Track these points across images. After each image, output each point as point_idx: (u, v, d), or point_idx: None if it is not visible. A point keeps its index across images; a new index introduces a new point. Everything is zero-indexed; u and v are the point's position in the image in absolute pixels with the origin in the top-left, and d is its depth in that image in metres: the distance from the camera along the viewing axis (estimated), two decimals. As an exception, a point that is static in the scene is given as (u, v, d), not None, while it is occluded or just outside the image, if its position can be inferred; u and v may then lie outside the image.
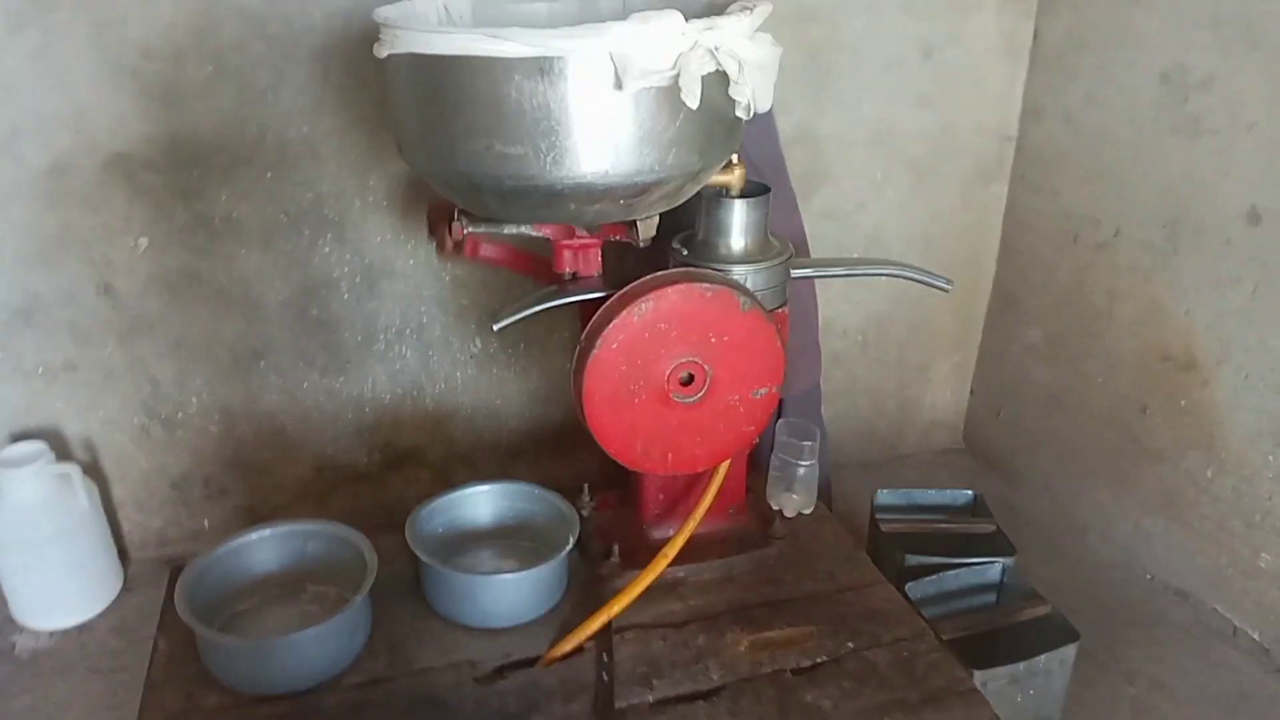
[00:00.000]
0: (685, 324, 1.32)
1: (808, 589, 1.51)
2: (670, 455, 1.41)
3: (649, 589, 1.39)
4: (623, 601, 1.38)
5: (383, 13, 1.20)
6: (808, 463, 1.56)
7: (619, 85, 1.10)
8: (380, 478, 2.30)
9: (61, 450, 2.04)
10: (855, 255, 2.31)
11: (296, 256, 2.05)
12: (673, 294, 1.30)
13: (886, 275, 1.51)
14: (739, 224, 1.41)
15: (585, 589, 1.49)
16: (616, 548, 1.48)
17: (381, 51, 1.20)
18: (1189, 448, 2.07)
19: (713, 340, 1.34)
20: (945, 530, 1.90)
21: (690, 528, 1.43)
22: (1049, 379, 2.40)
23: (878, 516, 1.91)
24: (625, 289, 1.31)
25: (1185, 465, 2.08)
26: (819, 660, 1.37)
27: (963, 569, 1.72)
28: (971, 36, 2.29)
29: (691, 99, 1.10)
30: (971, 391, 2.68)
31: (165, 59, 1.84)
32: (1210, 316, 1.97)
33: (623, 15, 1.46)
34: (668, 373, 1.34)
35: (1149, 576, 2.19)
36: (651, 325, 1.30)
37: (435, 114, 1.16)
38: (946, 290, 1.51)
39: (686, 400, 1.37)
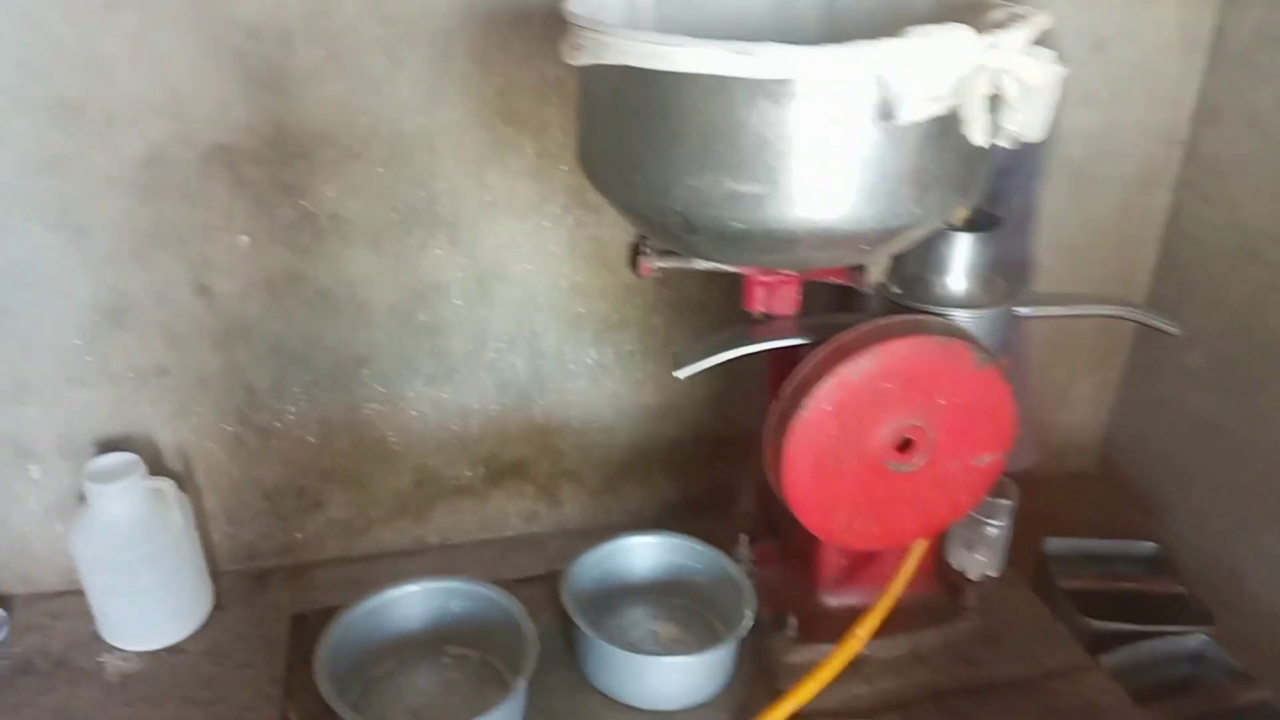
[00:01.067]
0: (910, 382, 1.12)
1: (1009, 673, 1.32)
2: (877, 529, 1.22)
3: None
4: (811, 689, 1.20)
5: (577, 9, 0.99)
6: (1001, 524, 1.37)
7: (887, 115, 0.89)
8: (483, 492, 2.13)
9: (151, 458, 1.88)
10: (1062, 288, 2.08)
11: (406, 258, 1.86)
12: (900, 348, 1.10)
13: (1111, 316, 1.30)
14: (964, 261, 1.21)
15: (756, 663, 1.31)
16: (793, 619, 1.29)
17: (578, 58, 0.99)
18: None
19: (940, 402, 1.14)
20: (1130, 590, 1.70)
21: (887, 604, 1.25)
22: (1210, 408, 2.18)
23: (1049, 569, 1.71)
24: (841, 339, 1.11)
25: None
26: (1037, 770, 1.18)
27: (1158, 639, 1.52)
28: (1146, 29, 2.05)
29: (978, 132, 0.89)
30: (1111, 414, 2.46)
31: (273, 41, 1.65)
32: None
33: (829, 14, 1.27)
34: (885, 438, 1.14)
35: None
36: (872, 384, 1.11)
37: (649, 140, 0.95)
38: (1176, 335, 1.30)
39: (902, 469, 1.17)
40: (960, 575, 1.40)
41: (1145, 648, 1.53)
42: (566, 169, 1.85)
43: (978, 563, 1.38)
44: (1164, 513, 2.32)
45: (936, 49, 0.87)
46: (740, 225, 0.95)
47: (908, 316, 1.14)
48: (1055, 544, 1.80)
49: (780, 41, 1.14)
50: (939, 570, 1.38)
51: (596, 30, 0.95)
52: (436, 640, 1.30)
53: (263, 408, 1.92)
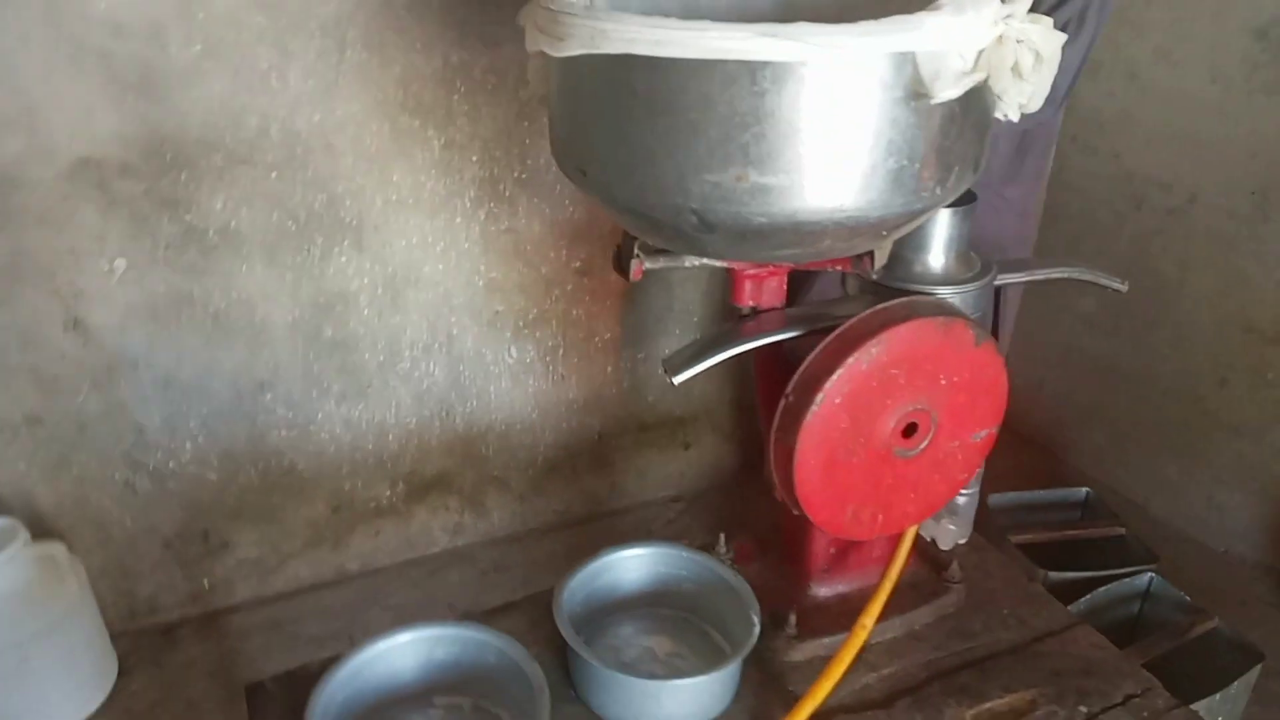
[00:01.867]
0: (916, 366, 1.09)
1: (1003, 640, 1.33)
2: (881, 517, 1.19)
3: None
4: (827, 686, 1.17)
5: (554, -3, 0.90)
6: (971, 491, 1.37)
7: (922, 94, 0.84)
8: (404, 511, 2.00)
9: (32, 520, 1.67)
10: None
11: (308, 269, 1.71)
12: (905, 332, 1.07)
13: (1067, 278, 1.32)
14: (943, 238, 1.19)
15: (758, 665, 1.26)
16: (793, 616, 1.26)
17: (561, 48, 0.90)
18: (1277, 421, 1.98)
19: (942, 382, 1.12)
20: (1075, 537, 1.75)
21: (887, 589, 1.23)
22: (1104, 351, 2.28)
23: (998, 526, 1.75)
24: (846, 328, 1.07)
25: (1271, 439, 2.00)
26: (1056, 735, 1.19)
27: (1112, 583, 1.57)
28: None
29: (1011, 106, 0.86)
30: (1009, 361, 2.54)
31: (141, 37, 1.46)
32: (1307, 287, 1.87)
33: None
34: (892, 425, 1.11)
35: (1223, 550, 2.12)
36: (881, 371, 1.07)
37: (660, 135, 0.88)
38: (1122, 291, 1.33)
39: (907, 455, 1.14)
40: (933, 546, 1.39)
41: (1101, 593, 1.58)
42: (476, 160, 1.74)
43: (949, 532, 1.38)
44: (1065, 452, 2.42)
45: (969, 23, 0.82)
46: (763, 220, 0.89)
47: (907, 299, 1.11)
48: (996, 499, 1.84)
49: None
50: (916, 545, 1.37)
51: (590, 18, 0.86)
52: (423, 691, 1.19)
53: (155, 448, 1.74)
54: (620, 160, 0.92)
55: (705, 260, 1.12)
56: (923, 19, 0.81)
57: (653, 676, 1.21)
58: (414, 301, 1.81)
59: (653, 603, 1.35)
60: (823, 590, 1.34)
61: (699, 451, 2.24)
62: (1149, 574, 1.62)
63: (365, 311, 1.78)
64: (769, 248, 0.97)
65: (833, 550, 1.32)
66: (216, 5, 1.48)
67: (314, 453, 1.86)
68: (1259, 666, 1.45)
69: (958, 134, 0.91)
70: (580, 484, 2.14)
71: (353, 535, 1.97)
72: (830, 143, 0.86)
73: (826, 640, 1.29)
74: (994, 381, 1.16)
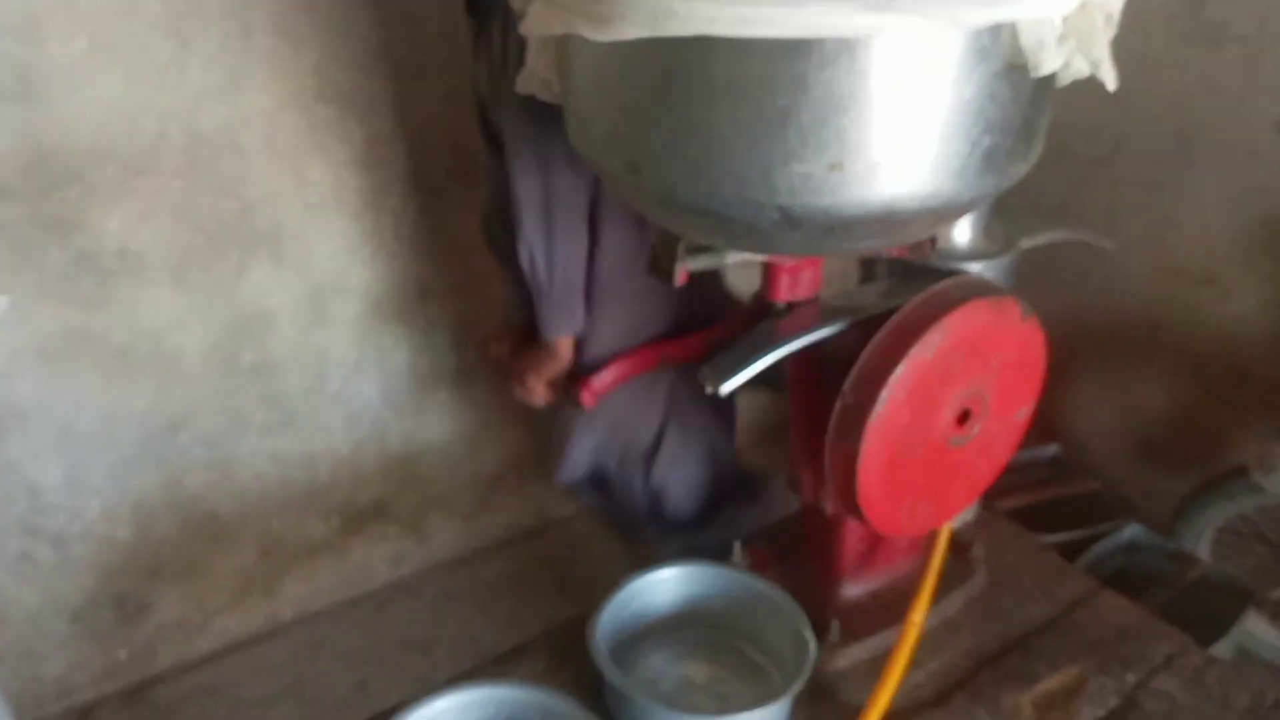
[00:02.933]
0: (973, 350, 1.07)
1: (1035, 616, 1.34)
2: (934, 509, 1.17)
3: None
4: (886, 695, 1.14)
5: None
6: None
7: (1020, 65, 0.81)
8: (340, 545, 1.87)
9: (-88, 612, 1.46)
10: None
11: (221, 288, 1.55)
12: (964, 315, 1.04)
13: (1064, 240, 1.33)
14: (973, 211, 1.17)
15: (806, 680, 1.23)
16: (836, 622, 1.23)
17: (607, 32, 0.82)
18: (1206, 361, 2.09)
19: (993, 363, 1.10)
20: (1055, 496, 1.80)
21: (932, 581, 1.21)
22: (1033, 300, 2.34)
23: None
24: (903, 318, 1.03)
25: (1205, 378, 2.11)
26: (1113, 706, 1.21)
27: (1101, 540, 1.62)
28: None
29: (1109, 75, 0.83)
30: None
31: (13, 33, 1.28)
32: (1235, 229, 1.97)
33: None
34: (949, 414, 1.09)
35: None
36: (942, 360, 1.04)
37: (741, 126, 0.81)
38: (1110, 250, 1.36)
39: (961, 442, 1.12)
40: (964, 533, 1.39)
41: (1094, 551, 1.63)
42: (404, 150, 1.62)
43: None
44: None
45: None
46: (856, 211, 0.83)
47: (956, 280, 1.08)
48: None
49: None
50: (934, 528, 1.37)
51: (650, -8, 0.78)
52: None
53: (55, 510, 1.55)
54: (689, 155, 0.84)
55: (750, 256, 1.06)
56: (1025, -15, 0.77)
57: (703, 710, 1.15)
58: (341, 314, 1.68)
59: (679, 626, 1.29)
60: (854, 590, 1.31)
61: (646, 445, 2.18)
62: (1133, 526, 1.68)
63: (288, 330, 1.64)
64: (851, 239, 0.92)
65: (863, 548, 1.29)
66: (100, -10, 1.30)
67: (237, 493, 1.70)
68: (1250, 608, 1.53)
69: (1042, 104, 0.88)
70: (527, 493, 2.05)
71: (285, 579, 1.83)
72: (931, 123, 0.81)
73: (869, 642, 1.26)
74: (1037, 356, 1.16)
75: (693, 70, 0.82)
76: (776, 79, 0.79)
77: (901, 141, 0.81)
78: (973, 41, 0.79)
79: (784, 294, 1.10)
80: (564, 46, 0.97)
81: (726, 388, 1.04)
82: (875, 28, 0.75)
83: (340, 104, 1.53)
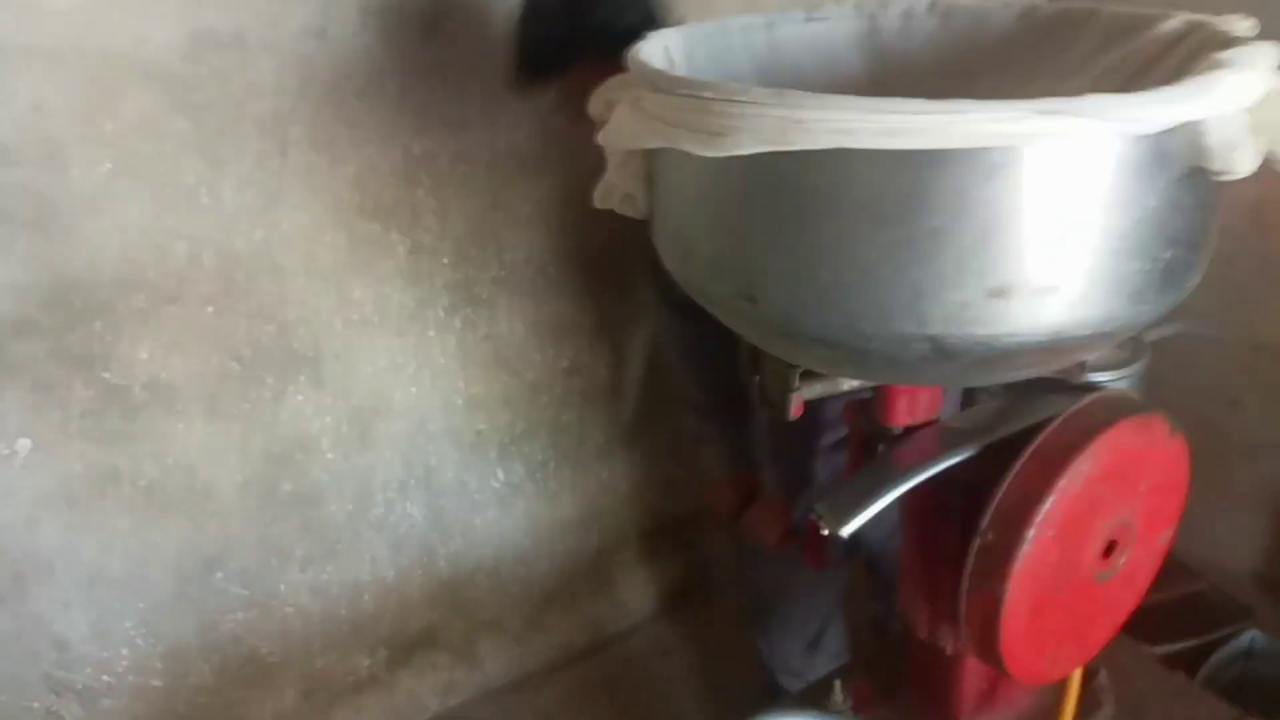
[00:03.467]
0: (1122, 475, 0.94)
1: (1177, 755, 1.19)
2: (1076, 651, 1.03)
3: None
4: None
5: (716, 86, 0.70)
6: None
7: (1204, 168, 0.69)
8: (387, 679, 1.72)
9: (-73, 789, 1.31)
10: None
11: (258, 416, 1.43)
12: (1112, 439, 0.91)
13: (1176, 335, 1.20)
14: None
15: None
16: (960, 777, 1.07)
17: (718, 147, 0.71)
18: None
19: (1141, 488, 0.97)
20: (1161, 600, 1.64)
21: (1070, 726, 1.06)
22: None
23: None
24: (1041, 444, 0.90)
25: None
26: None
27: (1220, 649, 1.47)
28: None
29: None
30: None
31: (34, 160, 1.18)
32: (1313, 294, 1.85)
33: (907, 28, 1.05)
34: (1096, 547, 0.95)
35: (1251, 571, 2.08)
36: (1091, 489, 0.91)
37: (885, 250, 0.69)
38: (1223, 339, 1.23)
39: (1106, 576, 0.98)
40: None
41: (1213, 661, 1.48)
42: (448, 262, 1.50)
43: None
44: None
45: (1256, 78, 0.68)
46: (1021, 341, 0.71)
47: (1098, 397, 0.95)
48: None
49: (835, 90, 0.91)
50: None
51: (770, 104, 0.67)
52: None
53: (83, 663, 1.41)
54: (819, 283, 0.72)
55: (862, 382, 0.93)
56: (1217, 79, 0.65)
57: None
58: (384, 435, 1.55)
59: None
60: (971, 731, 1.16)
61: (701, 550, 2.04)
62: (1251, 631, 1.53)
63: (329, 456, 1.51)
64: (1009, 370, 0.80)
65: (984, 686, 1.14)
66: (127, 112, 1.21)
67: (277, 632, 1.56)
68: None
69: (1218, 206, 0.76)
70: (580, 611, 1.90)
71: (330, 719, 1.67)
72: (1109, 240, 0.69)
73: (996, 793, 1.11)
74: (1181, 474, 1.02)
75: (825, 188, 0.70)
76: (929, 196, 0.67)
77: (1076, 262, 0.69)
78: (1155, 145, 0.67)
79: (903, 418, 0.97)
80: (655, 157, 0.86)
81: (848, 529, 0.91)
82: (1047, 135, 0.64)
83: (382, 218, 1.42)
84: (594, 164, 1.61)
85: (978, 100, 0.63)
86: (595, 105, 0.93)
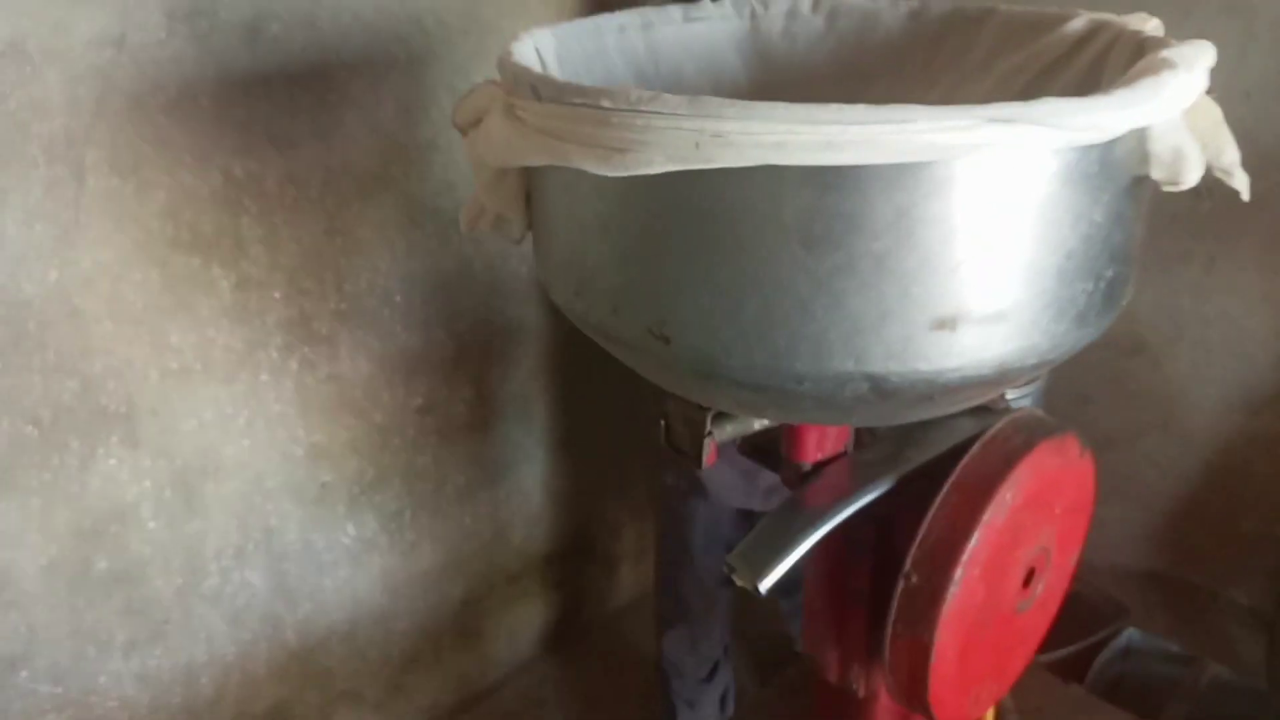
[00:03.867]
0: (1040, 502, 0.90)
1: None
2: (996, 686, 0.98)
3: None
4: None
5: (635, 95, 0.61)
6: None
7: (1145, 180, 0.65)
8: (232, 769, 1.53)
9: None
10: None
11: (62, 487, 1.24)
12: (1032, 465, 0.87)
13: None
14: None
15: None
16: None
17: (624, 165, 0.62)
18: (1142, 432, 2.02)
19: (1056, 511, 0.93)
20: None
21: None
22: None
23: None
24: (960, 476, 0.85)
25: (1142, 449, 2.03)
26: None
27: (1101, 651, 1.48)
28: None
29: (1243, 182, 0.68)
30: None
31: None
32: (1158, 296, 1.91)
33: (791, 29, 0.97)
34: (1018, 578, 0.91)
35: (1112, 564, 2.14)
36: (1013, 519, 0.86)
37: (821, 280, 0.62)
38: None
39: (1026, 606, 0.94)
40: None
41: (1098, 665, 1.48)
42: (281, 296, 1.35)
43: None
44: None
45: (1194, 81, 0.63)
46: (966, 375, 0.64)
47: (1012, 419, 0.90)
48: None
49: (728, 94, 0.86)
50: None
51: (686, 114, 0.58)
52: None
53: None
54: (744, 320, 0.64)
55: (779, 421, 0.85)
56: (1166, 81, 0.60)
57: None
58: (215, 496, 1.38)
59: None
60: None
61: (572, 589, 1.94)
62: (1128, 631, 1.55)
63: (151, 525, 1.33)
64: (946, 405, 0.74)
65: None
66: (-123, 136, 1.00)
67: (98, 732, 1.36)
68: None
69: (1146, 223, 0.72)
70: (446, 669, 1.77)
71: (165, 825, 1.47)
72: (1059, 258, 0.63)
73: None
74: (1089, 494, 0.99)
75: (749, 211, 0.61)
76: (869, 217, 0.59)
77: (1026, 285, 0.63)
78: (1103, 155, 0.62)
79: (812, 454, 0.90)
80: (537, 175, 0.76)
81: (766, 584, 0.83)
82: (1001, 144, 0.57)
83: (201, 250, 1.26)
84: (440, 181, 1.49)
85: (925, 107, 0.56)
86: (460, 115, 0.82)
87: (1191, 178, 0.64)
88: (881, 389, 0.65)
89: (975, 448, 0.88)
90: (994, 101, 0.57)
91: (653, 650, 1.63)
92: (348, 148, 1.34)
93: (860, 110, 0.56)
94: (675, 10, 0.96)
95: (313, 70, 1.26)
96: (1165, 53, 0.64)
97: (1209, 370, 1.92)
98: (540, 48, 0.83)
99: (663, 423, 0.85)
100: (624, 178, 0.62)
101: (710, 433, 0.82)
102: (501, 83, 0.77)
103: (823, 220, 0.60)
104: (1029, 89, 0.87)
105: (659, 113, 0.59)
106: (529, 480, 1.77)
